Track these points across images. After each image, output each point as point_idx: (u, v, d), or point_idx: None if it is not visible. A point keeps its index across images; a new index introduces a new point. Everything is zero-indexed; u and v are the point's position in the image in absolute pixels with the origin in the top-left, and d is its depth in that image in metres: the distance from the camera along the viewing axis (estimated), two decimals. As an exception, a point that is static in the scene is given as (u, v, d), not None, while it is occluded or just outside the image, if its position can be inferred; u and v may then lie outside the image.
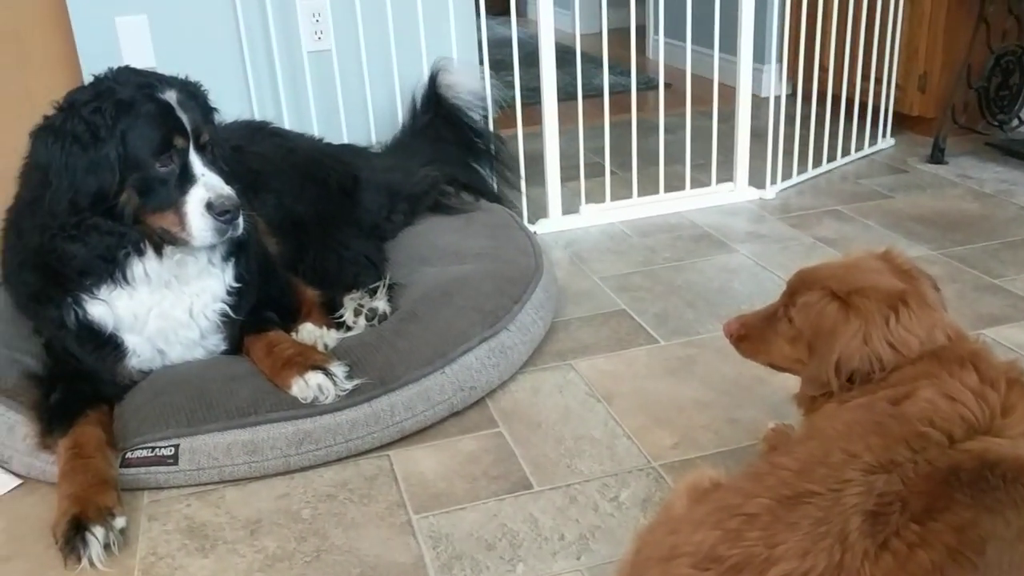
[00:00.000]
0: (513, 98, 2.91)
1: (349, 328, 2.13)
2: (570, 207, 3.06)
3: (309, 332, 2.05)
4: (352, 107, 2.90)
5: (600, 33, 2.97)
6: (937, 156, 3.48)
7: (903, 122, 3.78)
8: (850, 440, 1.14)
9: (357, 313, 2.15)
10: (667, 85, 3.13)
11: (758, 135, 3.26)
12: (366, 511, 1.70)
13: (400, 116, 2.95)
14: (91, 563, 1.57)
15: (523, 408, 2.01)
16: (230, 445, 1.79)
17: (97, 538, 1.58)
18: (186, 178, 1.78)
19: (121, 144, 1.74)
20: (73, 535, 1.58)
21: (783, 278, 1.67)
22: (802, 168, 3.34)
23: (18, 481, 1.83)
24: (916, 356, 1.33)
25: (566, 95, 3.02)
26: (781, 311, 1.51)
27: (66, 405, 1.80)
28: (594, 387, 2.07)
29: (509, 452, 1.85)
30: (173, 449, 1.78)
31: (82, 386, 1.85)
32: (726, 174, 3.21)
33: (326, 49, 2.86)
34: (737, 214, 3.09)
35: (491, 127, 2.99)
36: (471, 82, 2.92)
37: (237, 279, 1.98)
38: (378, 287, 2.22)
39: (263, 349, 1.94)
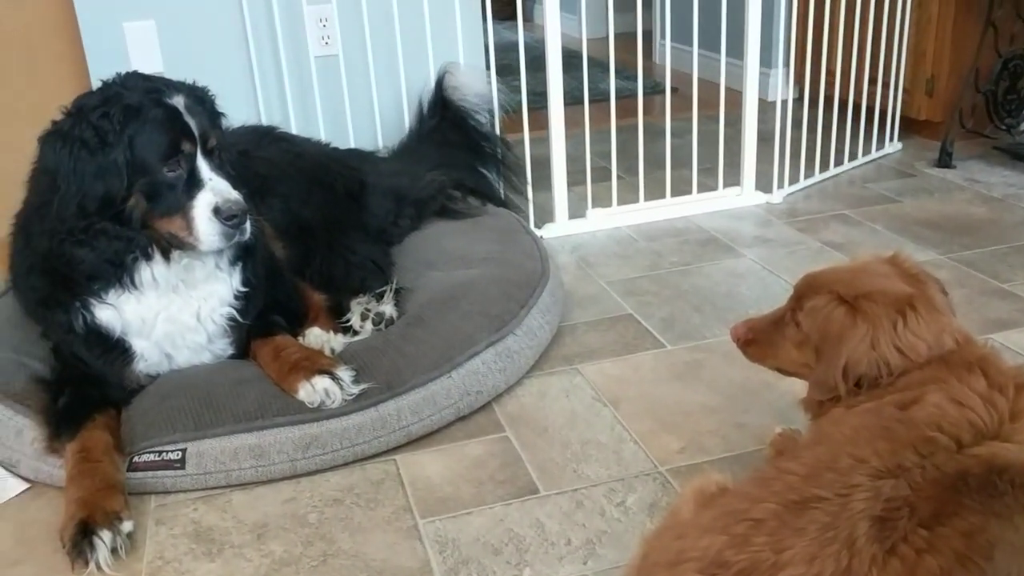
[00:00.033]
0: (519, 102, 2.91)
1: (356, 332, 2.13)
2: (576, 211, 3.06)
3: (316, 336, 2.05)
4: (359, 112, 2.91)
5: (607, 38, 2.97)
6: (945, 160, 3.47)
7: (910, 126, 3.77)
8: (857, 445, 1.13)
9: (364, 317, 2.15)
10: (674, 89, 3.13)
11: (765, 139, 3.25)
12: (373, 515, 1.70)
13: (407, 121, 2.96)
14: (98, 567, 1.57)
15: (530, 413, 2.01)
16: (237, 449, 1.79)
17: (104, 542, 1.58)
18: (193, 183, 1.79)
19: (129, 149, 1.75)
20: (80, 539, 1.58)
21: (790, 282, 1.66)
22: (809, 172, 3.34)
23: (26, 485, 1.83)
24: (924, 361, 1.33)
25: (572, 99, 3.02)
26: (788, 315, 1.50)
27: (74, 409, 1.80)
28: (601, 392, 2.07)
29: (516, 457, 1.85)
30: (180, 453, 1.78)
31: (90, 390, 1.86)
32: (733, 178, 3.20)
33: (333, 54, 2.87)
34: (744, 218, 3.09)
35: (498, 132, 2.99)
36: (477, 84, 2.93)
37: (244, 283, 1.98)
38: (385, 291, 2.23)
39: (270, 353, 1.94)
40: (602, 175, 3.18)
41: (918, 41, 3.58)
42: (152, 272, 1.84)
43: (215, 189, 1.79)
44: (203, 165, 1.80)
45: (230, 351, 2.02)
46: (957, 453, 1.10)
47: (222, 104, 1.97)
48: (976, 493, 1.03)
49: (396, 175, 2.69)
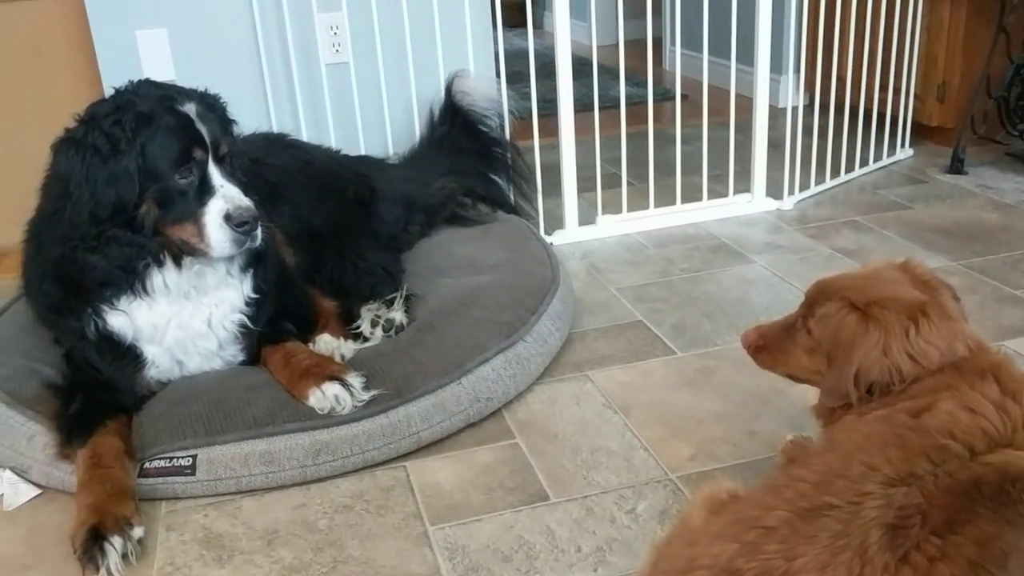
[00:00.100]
0: (529, 109, 2.92)
1: (366, 339, 2.13)
2: (587, 218, 3.06)
3: (326, 343, 2.05)
4: (369, 119, 2.92)
5: (616, 44, 2.97)
6: (956, 166, 3.46)
7: (922, 132, 3.76)
8: (869, 452, 1.13)
9: (374, 324, 2.15)
10: (684, 96, 3.13)
11: (775, 146, 3.25)
12: (382, 522, 1.70)
13: (417, 128, 2.96)
14: (109, 573, 1.57)
15: (540, 419, 2.00)
16: (247, 455, 1.79)
17: (115, 548, 1.58)
18: (205, 190, 1.79)
19: (141, 156, 1.75)
20: (91, 545, 1.58)
21: (801, 289, 1.66)
22: (820, 179, 3.33)
23: (37, 491, 1.84)
24: (936, 368, 1.32)
25: (582, 106, 3.02)
26: (799, 322, 1.50)
27: (85, 415, 1.81)
28: (611, 398, 2.06)
29: (525, 463, 1.85)
30: (191, 459, 1.79)
31: (101, 396, 1.86)
32: (743, 185, 3.20)
33: (344, 62, 2.88)
34: (754, 225, 3.08)
35: (508, 138, 2.99)
36: (487, 89, 2.93)
37: (255, 290, 1.99)
38: (395, 298, 2.23)
39: (280, 360, 1.95)
40: (612, 182, 3.17)
41: (929, 47, 3.57)
42: (164, 278, 1.85)
43: (226, 196, 1.79)
44: (215, 172, 1.81)
45: (241, 357, 2.02)
46: (970, 461, 1.10)
47: (233, 111, 1.98)
48: (989, 501, 1.02)
49: (406, 182, 2.69)
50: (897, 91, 3.52)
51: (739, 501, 1.21)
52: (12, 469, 1.86)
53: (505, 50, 2.86)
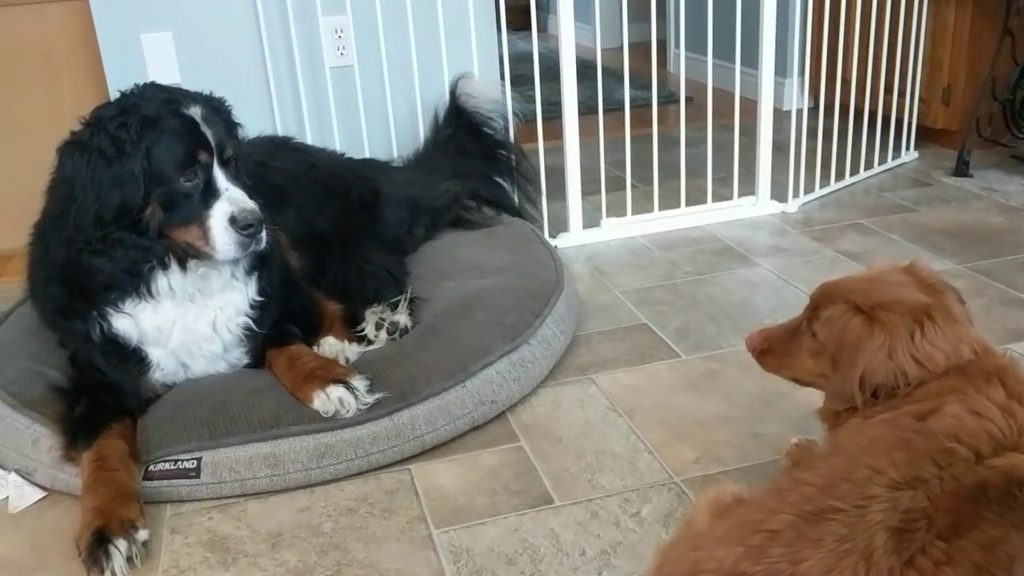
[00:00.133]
0: (533, 111, 2.92)
1: (371, 342, 2.14)
2: (591, 221, 3.06)
3: (331, 346, 2.06)
4: (374, 122, 2.92)
5: (621, 47, 2.97)
6: (962, 169, 3.45)
7: (927, 135, 3.75)
8: (875, 456, 1.13)
9: (379, 327, 2.15)
10: (688, 99, 3.13)
11: (780, 148, 3.24)
12: (387, 525, 1.70)
13: (422, 131, 2.97)
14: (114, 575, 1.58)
15: (544, 422, 2.00)
16: (252, 458, 1.80)
17: (120, 551, 1.58)
18: (210, 192, 1.80)
19: (146, 159, 1.76)
20: (96, 548, 1.58)
21: (806, 292, 1.66)
22: (825, 181, 3.33)
23: (42, 493, 1.84)
24: (942, 371, 1.31)
25: (587, 109, 3.02)
26: (804, 325, 1.49)
27: (90, 418, 1.81)
28: (615, 401, 2.06)
29: (530, 467, 1.85)
30: (195, 462, 1.79)
31: (106, 399, 1.87)
32: (748, 188, 3.20)
33: (348, 65, 2.88)
34: (759, 228, 3.08)
35: (512, 140, 2.99)
36: (491, 91, 2.94)
37: (260, 293, 1.99)
38: (399, 301, 2.23)
39: (285, 363, 1.95)
40: (617, 184, 3.17)
41: (934, 49, 3.57)
42: (169, 281, 1.85)
43: (231, 199, 1.80)
44: (219, 175, 1.81)
45: (245, 360, 2.03)
46: (976, 464, 1.09)
47: (238, 114, 1.98)
48: (995, 505, 1.02)
49: (410, 185, 2.69)
50: (902, 94, 3.51)
51: (744, 505, 1.20)
52: (17, 472, 1.87)
53: (509, 53, 2.87)
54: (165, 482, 1.79)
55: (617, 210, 3.08)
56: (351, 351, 2.05)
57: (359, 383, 1.87)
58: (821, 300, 1.47)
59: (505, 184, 3.01)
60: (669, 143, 3.30)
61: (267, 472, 1.79)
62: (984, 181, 3.39)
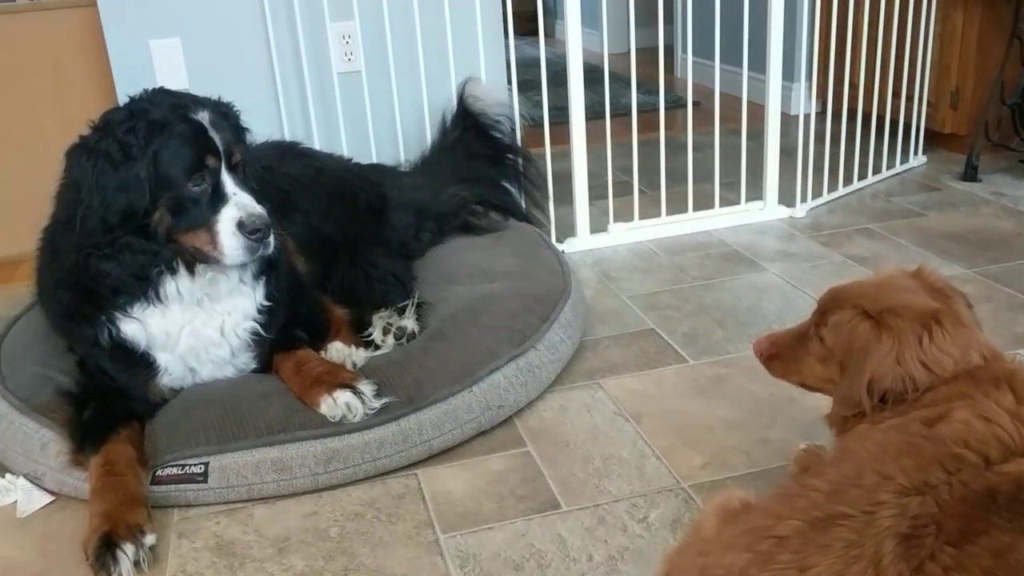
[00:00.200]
0: (541, 116, 2.92)
1: (377, 347, 2.14)
2: (598, 226, 3.06)
3: (338, 351, 2.06)
4: (381, 127, 2.93)
5: (628, 52, 2.97)
6: (970, 173, 3.44)
7: (935, 139, 3.74)
8: (883, 461, 1.12)
9: (385, 332, 2.15)
10: (695, 103, 3.13)
11: (788, 153, 3.24)
12: (394, 530, 1.70)
13: (429, 136, 2.97)
14: (121, 580, 1.58)
15: (551, 427, 2.00)
16: (259, 463, 1.80)
17: (127, 555, 1.59)
18: (218, 197, 1.80)
19: (153, 164, 1.76)
20: (104, 552, 1.59)
21: (814, 297, 1.65)
22: (832, 186, 3.32)
23: (50, 498, 1.85)
24: (950, 376, 1.31)
25: (594, 114, 3.02)
26: (812, 330, 1.49)
27: (98, 423, 1.82)
28: (623, 406, 2.06)
29: (537, 471, 1.84)
30: (203, 467, 1.79)
31: (114, 404, 1.87)
32: (755, 192, 3.19)
33: (356, 70, 2.89)
34: (767, 232, 3.07)
35: (520, 145, 2.99)
36: (499, 94, 2.94)
37: (268, 298, 1.99)
38: (406, 306, 2.23)
39: (292, 367, 1.95)
40: (624, 189, 3.17)
41: (942, 54, 3.56)
42: (177, 286, 1.85)
43: (239, 203, 1.80)
44: (227, 180, 1.82)
45: (253, 365, 2.03)
46: (985, 470, 1.09)
47: (246, 120, 1.99)
48: (1005, 511, 1.01)
49: (417, 189, 2.70)
50: (910, 98, 3.50)
51: (751, 510, 1.20)
52: (26, 476, 1.87)
53: (517, 58, 2.87)
54: (172, 487, 1.79)
55: (624, 215, 3.08)
56: (358, 356, 2.05)
57: (366, 388, 1.87)
58: (829, 305, 1.47)
59: (512, 189, 3.02)
60: (676, 148, 3.30)
61: (274, 477, 1.80)
62: (993, 185, 3.38)
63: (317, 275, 2.27)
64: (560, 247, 2.90)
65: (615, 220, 3.07)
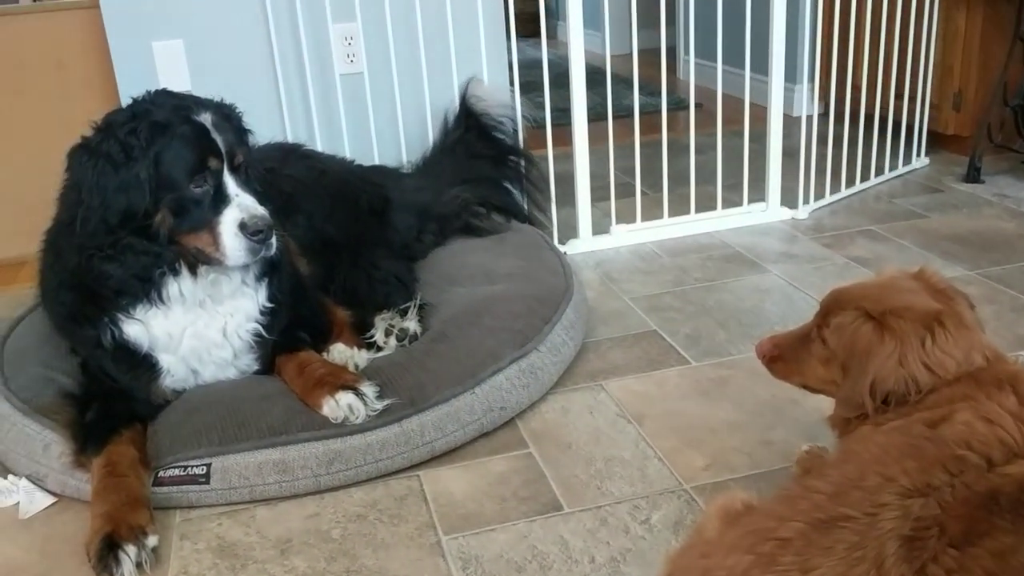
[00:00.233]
0: (543, 118, 2.92)
1: (380, 348, 2.14)
2: (600, 227, 3.06)
3: (340, 352, 2.06)
4: (384, 129, 2.93)
5: (630, 54, 2.97)
6: (973, 175, 3.44)
7: (938, 141, 3.74)
8: (886, 463, 1.12)
9: (388, 333, 2.15)
10: (698, 105, 3.13)
11: (790, 155, 3.24)
12: (396, 532, 1.70)
13: (431, 138, 2.97)
14: (123, 581, 1.58)
15: (553, 429, 2.00)
16: (261, 464, 1.80)
17: (129, 556, 1.59)
18: (220, 199, 1.80)
19: (155, 165, 1.76)
20: (106, 553, 1.59)
21: (816, 298, 1.65)
22: (835, 188, 3.32)
23: (53, 499, 1.85)
24: (953, 378, 1.31)
25: (596, 116, 3.02)
26: (814, 332, 1.49)
27: (100, 424, 1.82)
28: (625, 408, 2.06)
29: (539, 473, 1.84)
30: (205, 468, 1.79)
31: (116, 405, 1.87)
32: (758, 194, 3.19)
33: (358, 72, 2.89)
34: (769, 234, 3.07)
35: (521, 146, 3.00)
36: (500, 95, 2.94)
37: (270, 299, 1.99)
38: (409, 307, 2.23)
39: (294, 369, 1.95)
40: (626, 191, 3.17)
41: (945, 55, 3.56)
42: (179, 287, 1.85)
43: (241, 205, 1.80)
44: (230, 181, 1.82)
45: (255, 367, 2.03)
46: (988, 472, 1.09)
47: (249, 121, 1.99)
48: (1008, 512, 1.01)
49: (419, 191, 2.70)
50: (913, 100, 3.50)
51: (754, 512, 1.20)
52: (28, 477, 1.87)
53: (519, 60, 2.87)
54: (175, 488, 1.79)
55: (627, 216, 3.08)
56: (360, 357, 2.05)
57: (368, 389, 1.87)
58: (831, 307, 1.47)
59: (514, 190, 3.02)
60: (679, 149, 3.30)
61: (276, 478, 1.80)
62: (995, 187, 3.38)
63: (319, 277, 2.27)
64: (562, 249, 2.90)
65: (617, 222, 3.07)
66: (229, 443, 1.81)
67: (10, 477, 1.89)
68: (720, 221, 3.13)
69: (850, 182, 3.37)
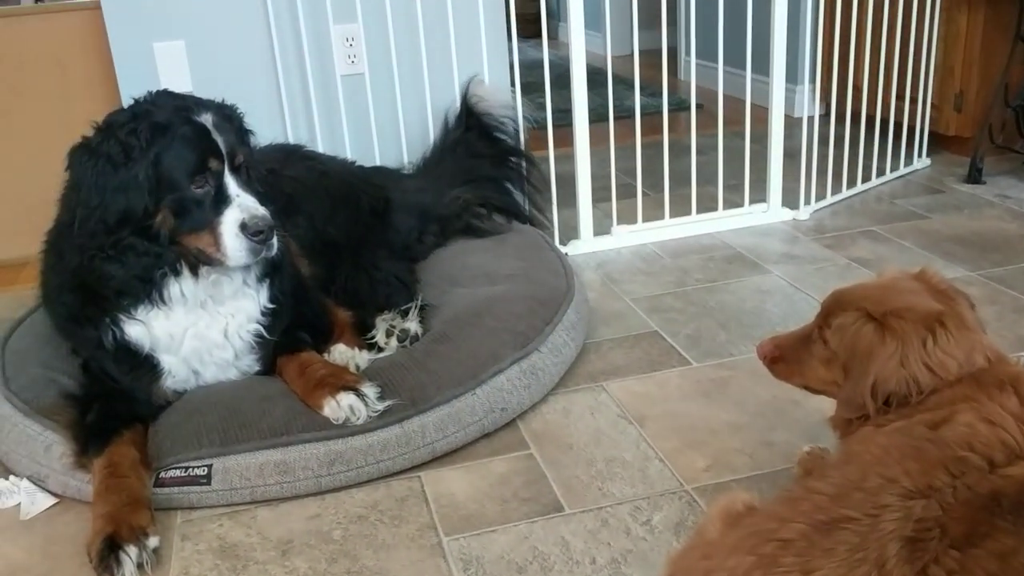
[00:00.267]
0: (544, 118, 2.92)
1: (381, 349, 2.14)
2: (602, 228, 3.06)
3: (341, 353, 2.06)
4: (385, 130, 2.93)
5: (632, 55, 2.97)
6: (974, 176, 3.44)
7: (939, 142, 3.74)
8: (887, 465, 1.12)
9: (389, 334, 2.15)
10: (699, 106, 3.13)
11: (791, 155, 3.24)
12: (397, 533, 1.70)
13: (432, 139, 2.97)
14: (125, 582, 1.58)
15: (554, 430, 2.00)
16: (262, 465, 1.80)
17: (130, 557, 1.59)
18: (221, 199, 1.80)
19: (155, 165, 1.76)
20: (107, 554, 1.59)
21: (817, 299, 1.65)
22: (836, 189, 3.32)
23: (54, 500, 1.85)
24: (954, 379, 1.31)
25: (597, 116, 3.02)
26: (816, 332, 1.49)
27: (102, 425, 1.82)
28: (626, 409, 2.06)
29: (540, 474, 1.84)
30: (206, 469, 1.79)
31: (118, 406, 1.87)
32: (759, 195, 3.19)
33: (359, 73, 2.89)
34: (770, 235, 3.07)
35: (522, 147, 3.00)
36: (502, 95, 2.94)
37: (271, 300, 1.99)
38: (410, 308, 2.23)
39: (296, 370, 1.95)
40: (627, 192, 3.17)
41: (946, 56, 3.56)
42: (180, 288, 1.86)
43: (242, 205, 1.80)
44: (230, 182, 1.82)
45: (256, 368, 2.03)
46: (990, 473, 1.09)
47: (250, 122, 1.99)
48: (1009, 514, 1.01)
49: (420, 192, 2.70)
50: (914, 100, 3.50)
51: (755, 513, 1.20)
52: (29, 478, 1.87)
53: (520, 61, 2.87)
54: (176, 489, 1.79)
55: (628, 217, 3.08)
56: (361, 358, 2.05)
57: (369, 390, 1.87)
58: (833, 307, 1.47)
59: (515, 191, 3.02)
60: (680, 150, 3.30)
61: (277, 479, 1.80)
62: (997, 188, 3.38)
63: (320, 278, 2.27)
64: (563, 249, 2.90)
65: (618, 222, 3.07)
66: (230, 444, 1.81)
67: (11, 478, 1.90)
68: (721, 222, 3.13)
69: (851, 183, 3.37)
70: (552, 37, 4.73)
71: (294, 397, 1.91)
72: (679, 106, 4.45)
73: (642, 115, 3.00)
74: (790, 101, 3.73)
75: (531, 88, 3.29)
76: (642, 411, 2.04)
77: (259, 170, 1.99)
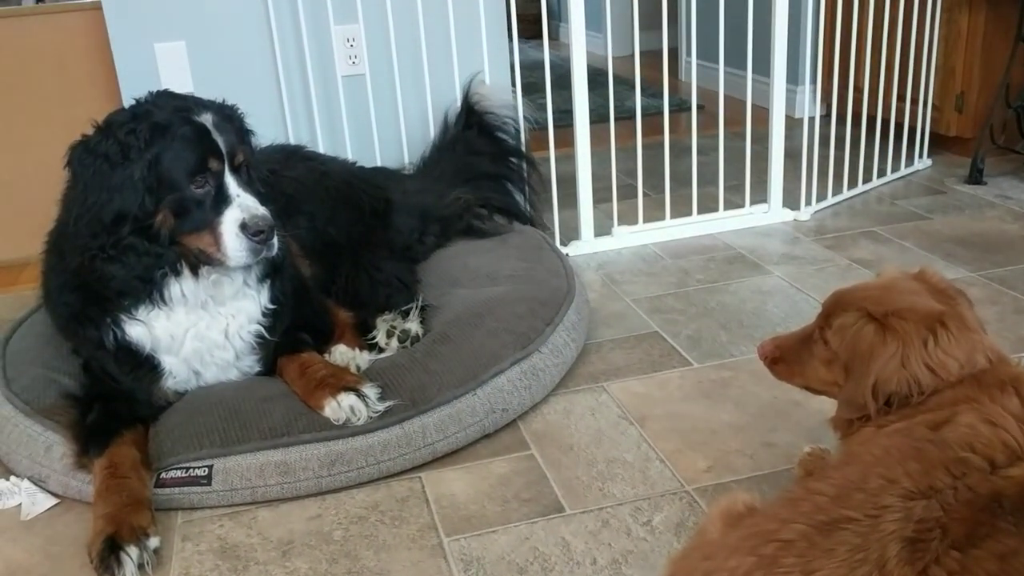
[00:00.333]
0: (545, 119, 2.92)
1: (382, 350, 2.14)
2: (602, 229, 3.05)
3: (342, 354, 2.06)
4: (385, 131, 2.93)
5: (632, 55, 2.97)
6: (975, 177, 3.43)
7: (940, 143, 3.74)
8: (888, 465, 1.12)
9: (390, 335, 2.15)
10: (700, 107, 3.13)
11: (792, 156, 3.24)
12: (397, 533, 1.70)
13: (432, 139, 2.97)
14: (125, 583, 1.58)
15: (555, 431, 2.00)
16: (263, 466, 1.80)
17: (131, 558, 1.59)
18: (221, 199, 1.80)
19: (152, 165, 1.76)
20: (108, 555, 1.59)
21: (818, 300, 1.65)
22: (837, 189, 3.32)
23: (55, 500, 1.85)
24: (956, 379, 1.30)
25: (598, 117, 3.02)
26: (817, 333, 1.48)
27: (102, 425, 1.82)
28: (627, 410, 2.06)
29: (541, 475, 1.84)
30: (207, 469, 1.79)
31: (118, 406, 1.87)
32: (760, 195, 3.19)
33: (360, 73, 2.90)
34: (771, 235, 3.07)
35: (523, 148, 3.00)
36: (504, 94, 2.94)
37: (272, 301, 1.99)
38: (410, 309, 2.23)
39: (296, 370, 1.95)
40: (628, 192, 3.17)
41: (947, 57, 3.56)
42: (181, 288, 1.86)
43: (242, 205, 1.80)
44: (231, 182, 1.82)
45: (257, 368, 2.03)
46: (991, 474, 1.08)
47: (251, 123, 1.99)
48: (1010, 515, 1.01)
49: (421, 192, 2.70)
50: (915, 101, 3.50)
51: (756, 514, 1.20)
52: (30, 479, 1.88)
53: (521, 61, 2.87)
54: (176, 489, 1.79)
55: (629, 218, 3.08)
56: (362, 359, 2.05)
57: (370, 391, 1.87)
58: (833, 308, 1.46)
59: (516, 192, 3.02)
60: (681, 151, 3.30)
61: (278, 480, 1.80)
62: (998, 188, 3.38)
63: (321, 278, 2.27)
64: (564, 250, 2.90)
65: (619, 223, 3.07)
66: (231, 444, 1.81)
67: (12, 479, 1.90)
68: (722, 223, 3.13)
69: (852, 183, 3.37)
70: (553, 38, 4.73)
71: (295, 398, 1.91)
72: (680, 107, 4.45)
73: (643, 116, 3.00)
74: (791, 102, 3.74)
75: (532, 89, 3.29)
76: (643, 412, 2.04)
77: (260, 170, 1.99)
